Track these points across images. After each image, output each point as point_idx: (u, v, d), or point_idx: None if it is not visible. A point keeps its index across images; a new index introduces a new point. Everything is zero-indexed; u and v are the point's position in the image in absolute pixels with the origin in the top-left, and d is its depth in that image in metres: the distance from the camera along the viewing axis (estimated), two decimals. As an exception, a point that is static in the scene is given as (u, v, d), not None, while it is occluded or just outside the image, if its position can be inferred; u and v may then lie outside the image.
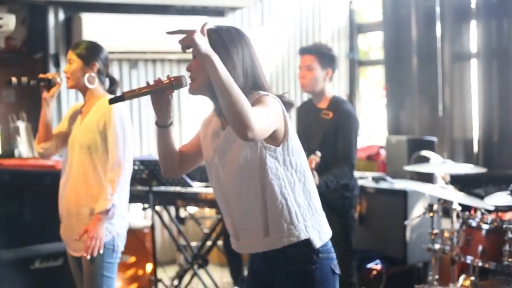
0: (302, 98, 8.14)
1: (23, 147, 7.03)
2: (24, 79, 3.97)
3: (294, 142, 2.85)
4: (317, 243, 2.83)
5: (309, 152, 4.66)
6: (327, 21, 8.71)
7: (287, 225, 2.79)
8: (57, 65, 7.12)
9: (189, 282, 6.06)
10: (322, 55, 4.84)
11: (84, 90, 4.08)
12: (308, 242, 2.81)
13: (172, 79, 2.82)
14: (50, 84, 4.02)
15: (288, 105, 2.85)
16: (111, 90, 4.18)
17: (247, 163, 2.79)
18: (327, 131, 4.81)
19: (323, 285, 2.84)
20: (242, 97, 2.53)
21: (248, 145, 2.78)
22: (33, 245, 5.56)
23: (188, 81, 2.83)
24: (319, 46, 4.98)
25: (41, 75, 4.04)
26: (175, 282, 6.17)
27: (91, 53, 4.04)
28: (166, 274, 6.54)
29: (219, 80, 2.52)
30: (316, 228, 2.85)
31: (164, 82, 2.82)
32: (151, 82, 2.84)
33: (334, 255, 2.92)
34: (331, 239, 4.89)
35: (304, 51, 4.93)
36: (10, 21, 6.78)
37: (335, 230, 4.80)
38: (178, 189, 5.61)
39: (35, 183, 5.74)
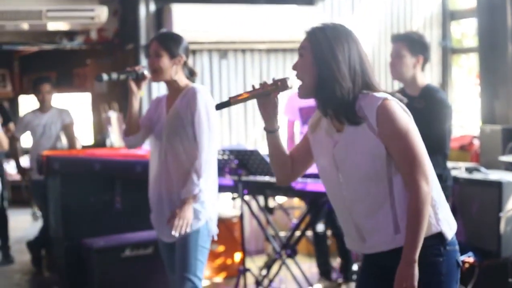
0: (393, 87, 8.02)
1: (115, 137, 7.15)
2: (114, 75, 4.01)
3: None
4: (449, 235, 2.78)
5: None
6: (419, 8, 8.54)
7: None
8: (148, 55, 7.16)
9: (277, 272, 6.03)
10: (412, 42, 4.74)
11: (169, 81, 4.10)
12: (438, 235, 2.76)
13: (278, 81, 2.83)
14: (138, 77, 4.05)
15: (401, 101, 2.80)
16: (190, 80, 4.19)
17: (374, 165, 2.73)
18: (420, 120, 4.68)
19: (449, 277, 2.79)
20: (427, 213, 2.66)
21: (372, 148, 2.72)
22: (124, 233, 5.64)
23: (293, 81, 2.83)
24: (409, 33, 4.92)
25: (129, 68, 4.08)
26: (264, 272, 6.16)
27: (177, 45, 4.06)
28: (255, 263, 6.53)
29: (421, 235, 2.65)
30: (446, 219, 2.80)
31: (270, 85, 2.84)
32: (257, 86, 2.86)
33: (458, 247, 2.85)
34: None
35: (394, 38, 4.86)
36: (102, 13, 6.90)
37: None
38: (267, 179, 5.59)
39: (126, 172, 5.83)
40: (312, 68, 2.74)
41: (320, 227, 6.19)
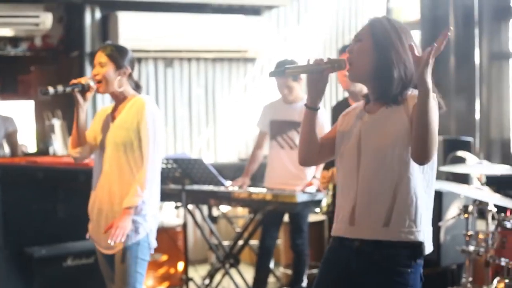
0: (337, 97, 8.10)
1: (58, 145, 7.09)
2: (60, 88, 3.91)
3: None
4: (427, 251, 2.81)
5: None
6: (364, 19, 8.57)
7: (409, 222, 2.77)
8: (93, 63, 7.13)
9: (220, 281, 6.05)
10: None
11: (114, 93, 4.07)
12: (414, 245, 2.79)
13: (334, 60, 2.86)
14: (83, 88, 3.97)
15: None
16: (137, 92, 4.18)
17: (392, 154, 2.77)
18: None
19: None
20: (436, 129, 2.62)
21: (398, 138, 2.76)
22: (66, 242, 5.59)
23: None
24: None
25: (74, 81, 3.99)
26: (206, 281, 6.16)
27: (122, 56, 4.03)
28: (198, 273, 6.54)
29: (427, 111, 2.59)
30: (428, 237, 2.82)
31: (325, 63, 2.86)
32: (311, 61, 2.89)
33: (422, 262, 2.87)
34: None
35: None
36: (47, 20, 6.85)
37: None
38: (211, 188, 5.61)
39: (69, 180, 5.77)
40: (369, 52, 2.82)
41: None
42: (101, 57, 4.01)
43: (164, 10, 7.27)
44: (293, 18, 8.22)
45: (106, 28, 7.18)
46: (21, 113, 10.50)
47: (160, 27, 7.18)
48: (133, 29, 6.96)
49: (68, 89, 3.94)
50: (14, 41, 7.43)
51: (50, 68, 8.36)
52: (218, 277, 6.13)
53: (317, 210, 5.48)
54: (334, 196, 4.84)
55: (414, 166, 2.76)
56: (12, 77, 11.62)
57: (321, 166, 5.45)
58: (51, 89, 3.91)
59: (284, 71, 2.90)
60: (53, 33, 7.39)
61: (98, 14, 7.21)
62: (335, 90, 8.20)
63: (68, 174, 5.80)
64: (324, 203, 5.12)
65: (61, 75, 7.96)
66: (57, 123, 7.22)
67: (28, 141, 9.70)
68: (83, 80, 3.97)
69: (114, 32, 6.98)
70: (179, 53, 7.44)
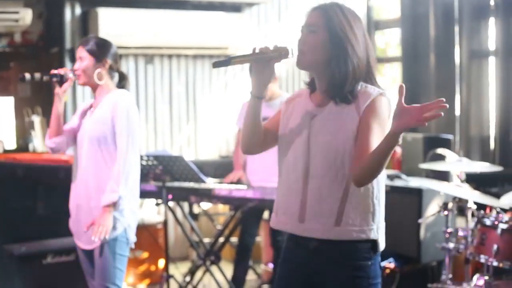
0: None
1: (38, 142, 7.06)
2: (37, 75, 4.01)
3: None
4: (380, 248, 2.84)
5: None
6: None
7: (361, 220, 2.76)
8: (73, 59, 7.10)
9: (201, 279, 6.05)
10: None
11: (94, 86, 4.11)
12: (371, 242, 2.80)
13: (281, 49, 2.80)
14: (62, 79, 4.04)
15: None
16: (121, 85, 4.20)
17: (343, 152, 2.73)
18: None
19: (376, 280, 2.83)
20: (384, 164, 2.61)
21: (349, 138, 2.73)
22: (46, 239, 5.56)
23: (294, 51, 2.82)
24: None
25: (53, 71, 4.05)
26: (187, 278, 6.15)
27: (102, 49, 4.07)
28: (178, 270, 6.53)
29: (387, 157, 2.58)
30: (381, 234, 2.84)
31: (272, 51, 2.81)
32: (257, 50, 2.83)
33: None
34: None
35: None
36: (26, 15, 6.80)
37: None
38: (191, 185, 5.60)
39: (49, 177, 5.74)
40: (324, 45, 2.78)
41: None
42: (81, 51, 4.05)
43: (145, 6, 7.26)
44: (274, 15, 8.22)
45: (86, 24, 7.15)
46: (0, 109, 10.46)
47: (140, 24, 7.15)
48: (113, 25, 6.93)
49: (45, 78, 4.02)
50: (-7, 37, 7.39)
51: (30, 64, 8.29)
52: (199, 274, 6.12)
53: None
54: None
55: None
56: (-9, 73, 11.56)
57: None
58: (27, 75, 4.01)
59: (229, 61, 2.81)
60: (33, 29, 7.35)
61: (78, 10, 7.17)
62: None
63: (48, 171, 5.77)
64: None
65: (41, 71, 7.90)
66: (37, 119, 7.18)
67: (7, 138, 9.66)
68: (62, 71, 4.03)
69: (94, 28, 6.95)
70: (159, 49, 7.42)
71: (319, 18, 2.82)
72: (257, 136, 2.98)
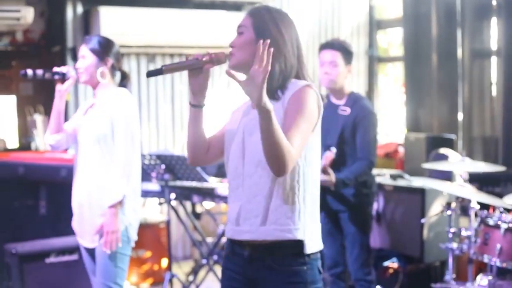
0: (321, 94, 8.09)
1: (40, 140, 7.04)
2: (40, 72, 4.03)
3: (317, 138, 2.80)
4: (308, 250, 2.74)
5: (325, 148, 4.64)
6: (347, 17, 8.64)
7: (286, 219, 2.69)
8: (74, 58, 7.10)
9: (204, 278, 6.04)
10: (346, 51, 4.78)
11: (95, 85, 4.12)
12: (299, 244, 2.72)
13: (213, 54, 2.77)
14: (64, 77, 4.06)
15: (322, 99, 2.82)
16: (122, 84, 4.21)
17: None
18: (344, 128, 4.77)
19: (315, 284, 2.76)
20: (284, 143, 2.53)
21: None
22: (49, 238, 5.56)
23: (228, 56, 2.80)
24: (343, 42, 4.90)
25: (56, 69, 4.07)
26: (190, 278, 6.15)
27: (104, 48, 4.09)
28: (181, 269, 6.52)
29: (271, 132, 2.50)
30: (311, 234, 2.76)
31: (204, 58, 2.77)
32: (190, 58, 2.79)
33: (319, 255, 2.82)
34: (348, 236, 4.87)
35: (327, 46, 4.84)
36: (28, 14, 6.78)
37: (352, 228, 4.83)
38: (194, 184, 5.59)
39: (51, 176, 5.74)
40: (250, 44, 2.76)
41: None
42: (83, 50, 4.08)
43: (147, 5, 7.24)
44: (276, 15, 8.20)
45: (88, 23, 7.13)
46: (2, 108, 10.46)
47: (142, 23, 7.14)
48: (115, 24, 6.92)
49: (47, 75, 4.04)
50: (-5, 35, 7.38)
51: (32, 63, 8.26)
52: (202, 273, 6.11)
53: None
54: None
55: None
56: (-7, 72, 11.56)
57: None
58: (30, 72, 4.01)
59: (161, 70, 2.77)
60: (35, 27, 7.34)
61: (80, 9, 7.16)
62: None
63: (50, 170, 5.76)
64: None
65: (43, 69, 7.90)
66: (39, 118, 7.17)
67: (9, 137, 9.65)
68: (64, 69, 4.08)
69: (96, 27, 6.94)
70: (161, 48, 7.41)
71: (247, 19, 2.83)
72: (200, 147, 2.95)
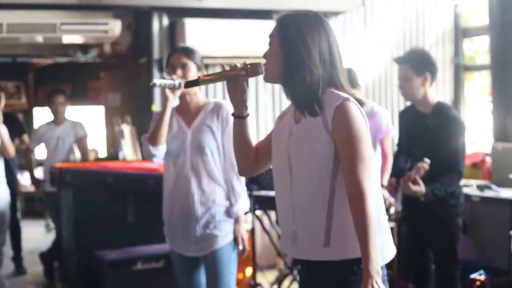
0: (405, 104, 8.04)
1: (127, 150, 7.18)
2: (161, 80, 3.92)
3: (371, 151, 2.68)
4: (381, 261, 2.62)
5: (412, 159, 4.60)
6: (432, 25, 8.55)
7: (350, 239, 2.59)
8: (160, 69, 7.23)
9: (289, 287, 6.05)
10: (416, 62, 4.73)
11: (192, 94, 4.08)
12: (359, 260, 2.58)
13: (248, 66, 2.76)
14: (174, 86, 3.93)
15: (361, 105, 2.69)
16: None
17: (320, 164, 2.62)
18: (431, 138, 4.70)
19: None
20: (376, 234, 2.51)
21: (322, 146, 2.61)
22: (136, 246, 5.66)
23: (263, 68, 2.75)
24: (411, 53, 4.87)
25: (171, 77, 3.96)
26: (274, 287, 6.16)
27: (200, 59, 4.08)
28: (266, 278, 6.54)
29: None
30: (380, 247, 2.62)
31: (239, 69, 2.77)
32: (227, 68, 2.80)
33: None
34: (435, 247, 4.80)
35: (398, 61, 4.85)
36: (115, 27, 6.94)
37: (439, 239, 4.76)
38: (272, 193, 5.60)
39: (138, 185, 5.84)
40: (279, 56, 2.67)
41: None
42: (181, 58, 4.03)
43: (230, 16, 7.32)
44: (359, 24, 8.18)
45: (173, 35, 7.25)
46: (91, 118, 10.75)
47: (226, 34, 7.22)
48: (200, 35, 7.01)
49: (168, 83, 3.90)
50: (84, 48, 7.56)
51: (119, 74, 8.49)
52: (286, 283, 6.13)
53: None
54: (403, 203, 4.82)
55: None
56: (83, 83, 11.89)
57: (388, 173, 5.42)
58: (158, 82, 3.89)
59: (197, 81, 2.79)
60: (122, 40, 7.50)
61: (165, 21, 7.28)
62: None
63: (138, 179, 5.87)
64: (393, 210, 5.10)
65: (129, 82, 8.07)
66: (126, 128, 7.32)
67: (99, 146, 9.89)
68: (175, 78, 3.95)
69: (181, 38, 7.04)
70: (246, 59, 7.44)
71: (274, 29, 2.75)
72: (248, 157, 2.92)
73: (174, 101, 3.97)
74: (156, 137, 4.01)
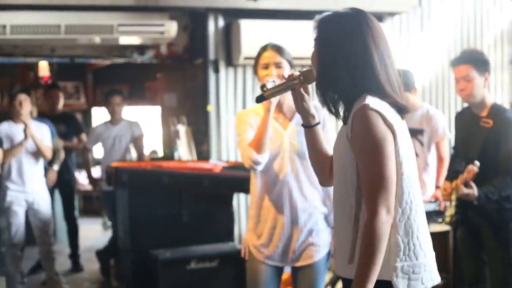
0: (462, 106, 7.94)
1: (183, 150, 7.23)
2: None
3: (405, 166, 2.47)
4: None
5: (467, 161, 4.54)
6: (490, 26, 8.43)
7: None
8: (216, 70, 7.26)
9: (342, 289, 6.02)
10: (478, 61, 4.66)
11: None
12: (388, 284, 2.42)
13: (302, 73, 2.69)
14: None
15: (402, 110, 2.54)
16: None
17: (345, 175, 2.52)
18: (487, 140, 4.64)
19: None
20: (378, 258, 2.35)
21: (346, 155, 2.50)
22: (190, 246, 5.70)
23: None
24: (472, 53, 4.80)
25: (270, 79, 3.72)
26: (328, 288, 6.15)
27: (291, 58, 3.92)
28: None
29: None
30: (406, 273, 2.44)
31: (294, 78, 2.71)
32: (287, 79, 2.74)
33: None
34: (489, 251, 4.71)
35: (458, 61, 4.74)
36: (172, 28, 7.00)
37: (494, 243, 4.68)
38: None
39: (193, 185, 5.87)
40: (316, 59, 2.58)
41: None
42: (275, 56, 3.87)
43: (286, 17, 7.31)
44: (416, 25, 8.11)
45: (229, 36, 7.28)
46: (149, 118, 10.86)
47: (281, 35, 7.19)
48: (256, 37, 7.02)
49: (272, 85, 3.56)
50: (140, 49, 7.64)
51: (175, 75, 8.55)
52: (339, 285, 6.10)
53: (440, 220, 5.43)
54: (457, 206, 4.77)
55: None
56: (140, 83, 12.03)
57: (443, 176, 5.37)
58: (269, 84, 3.57)
59: (263, 96, 2.75)
60: (178, 41, 7.55)
61: (221, 22, 7.32)
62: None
63: (193, 179, 5.90)
64: (448, 213, 5.04)
65: (185, 82, 8.13)
66: (182, 128, 7.37)
67: (156, 146, 9.98)
68: (275, 78, 3.74)
69: (236, 40, 7.07)
70: (302, 60, 7.44)
71: (314, 32, 2.62)
72: (323, 166, 2.80)
73: (276, 103, 3.76)
74: (260, 143, 3.76)
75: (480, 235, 4.76)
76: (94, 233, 10.00)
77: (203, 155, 7.30)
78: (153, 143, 10.14)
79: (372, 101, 2.44)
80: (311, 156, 2.85)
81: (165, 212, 5.86)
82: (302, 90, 2.71)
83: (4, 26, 6.59)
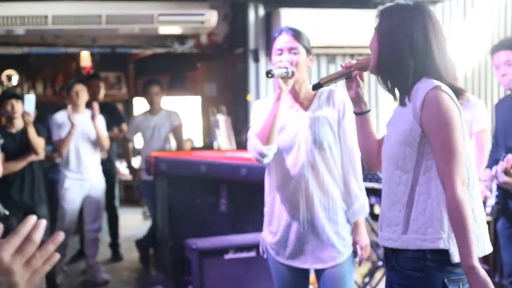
0: (505, 93, 7.82)
1: (222, 140, 7.23)
2: (277, 71, 3.42)
3: (467, 144, 2.63)
4: (456, 258, 2.54)
5: (507, 150, 4.46)
6: (535, 14, 8.29)
7: (429, 229, 2.58)
8: (256, 60, 7.24)
9: (380, 280, 5.99)
10: None
11: (300, 82, 3.59)
12: (441, 252, 2.57)
13: (358, 60, 2.86)
14: (287, 75, 3.46)
15: (458, 93, 2.66)
16: None
17: (403, 151, 2.64)
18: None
19: None
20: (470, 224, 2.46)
21: (407, 132, 2.62)
22: (228, 235, 5.70)
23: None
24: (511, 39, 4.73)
25: (280, 65, 3.49)
26: (366, 279, 6.12)
27: (307, 42, 3.61)
28: (357, 271, 6.48)
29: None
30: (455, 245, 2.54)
31: (351, 65, 2.87)
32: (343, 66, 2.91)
33: (458, 270, 2.56)
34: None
35: (498, 47, 4.69)
36: (212, 17, 7.00)
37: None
38: (371, 185, 5.55)
39: (231, 175, 5.86)
40: (376, 46, 2.72)
41: None
42: (290, 41, 3.55)
43: (327, 6, 7.27)
44: (459, 13, 8.00)
45: (269, 25, 7.26)
46: (189, 108, 10.89)
47: (322, 23, 7.17)
48: (296, 25, 6.90)
49: (282, 72, 3.43)
50: (181, 38, 7.66)
51: (216, 65, 8.56)
52: (378, 275, 6.07)
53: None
54: (497, 196, 4.69)
55: (429, 164, 2.59)
56: (180, 73, 12.07)
57: (484, 165, 5.29)
58: (275, 71, 3.39)
59: (320, 84, 2.90)
60: (218, 30, 7.55)
61: (261, 11, 7.30)
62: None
63: (231, 169, 5.89)
64: (489, 203, 4.96)
65: (225, 72, 8.13)
66: (221, 118, 7.37)
67: (196, 136, 10.01)
68: (288, 66, 3.48)
69: (277, 29, 7.03)
70: (341, 49, 7.41)
71: (376, 19, 2.77)
72: (371, 151, 2.96)
73: (287, 91, 3.49)
74: (268, 134, 3.46)
75: (521, 225, 4.69)
76: (134, 222, 10.08)
77: (242, 144, 7.29)
78: (193, 133, 10.16)
79: (439, 84, 2.60)
80: (361, 143, 3.00)
81: (203, 201, 5.88)
82: (358, 77, 2.89)
83: (46, 17, 6.64)
